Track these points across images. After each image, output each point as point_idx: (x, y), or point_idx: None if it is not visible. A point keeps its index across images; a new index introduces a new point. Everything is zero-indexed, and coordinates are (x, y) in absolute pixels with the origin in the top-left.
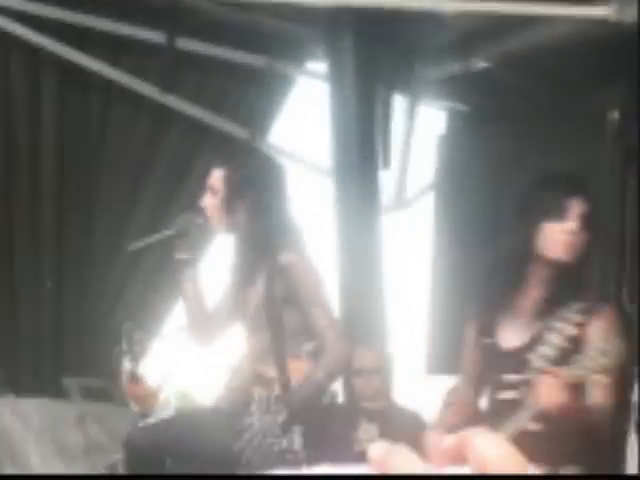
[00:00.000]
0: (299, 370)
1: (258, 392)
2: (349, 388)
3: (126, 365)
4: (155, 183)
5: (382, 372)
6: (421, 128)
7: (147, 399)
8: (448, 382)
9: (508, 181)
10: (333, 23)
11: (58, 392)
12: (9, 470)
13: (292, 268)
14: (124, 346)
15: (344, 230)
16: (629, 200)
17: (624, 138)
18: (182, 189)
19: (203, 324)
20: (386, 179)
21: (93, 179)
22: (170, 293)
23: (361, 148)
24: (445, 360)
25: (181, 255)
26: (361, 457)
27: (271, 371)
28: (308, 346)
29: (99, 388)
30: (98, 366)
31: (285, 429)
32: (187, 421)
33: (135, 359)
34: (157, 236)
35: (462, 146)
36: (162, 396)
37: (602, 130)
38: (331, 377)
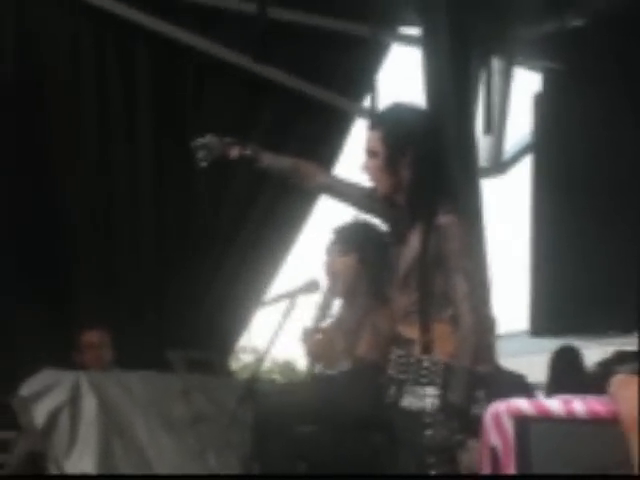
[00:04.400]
0: (442, 333)
1: (396, 352)
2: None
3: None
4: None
5: (485, 336)
6: (517, 89)
7: (329, 355)
8: (552, 344)
9: (603, 141)
10: None
11: (163, 365)
12: (118, 444)
13: (448, 230)
14: (294, 304)
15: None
16: None
17: None
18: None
19: None
20: (483, 142)
21: (189, 150)
22: (274, 257)
23: (458, 112)
24: (548, 322)
25: None
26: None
27: (412, 332)
28: (449, 311)
29: (203, 360)
30: (201, 338)
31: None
32: (321, 383)
33: (321, 317)
34: (285, 292)
35: (558, 106)
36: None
37: None
38: (470, 356)
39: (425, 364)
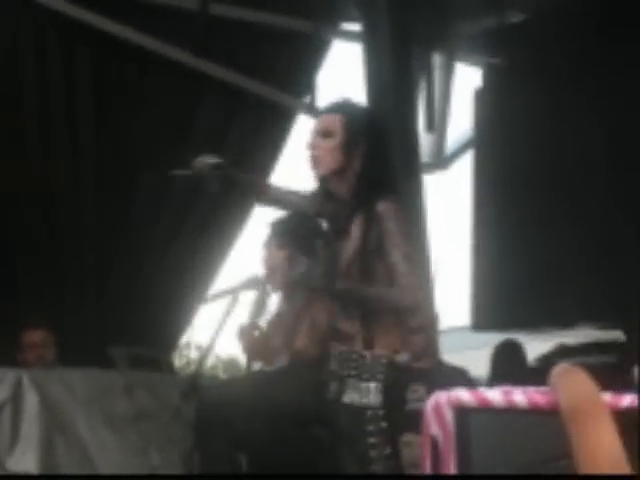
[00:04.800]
0: (384, 327)
1: (337, 348)
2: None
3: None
4: (193, 147)
5: (426, 331)
6: (458, 84)
7: (267, 351)
8: (494, 338)
9: (546, 134)
10: None
11: (106, 362)
12: (60, 441)
13: (385, 213)
14: (236, 301)
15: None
16: None
17: None
18: (221, 150)
19: None
20: (424, 138)
21: (130, 147)
22: (216, 253)
23: (399, 108)
24: (491, 316)
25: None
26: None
27: (353, 326)
28: None
29: (146, 357)
30: (143, 334)
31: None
32: (258, 378)
33: (257, 313)
34: (227, 288)
35: (499, 101)
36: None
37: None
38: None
39: (367, 359)
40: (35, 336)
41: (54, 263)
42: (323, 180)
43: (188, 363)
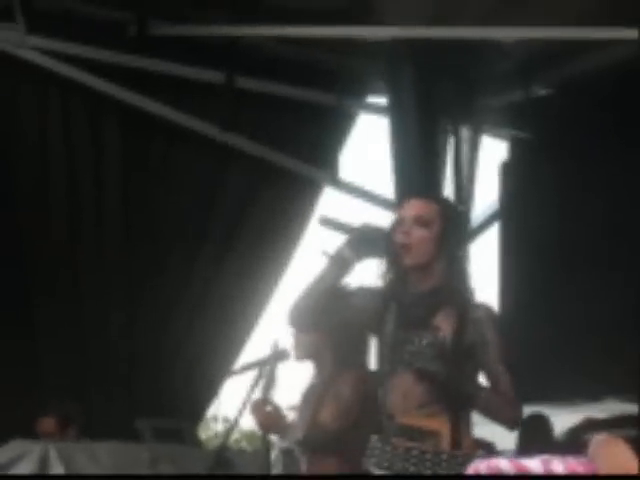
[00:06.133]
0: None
1: (424, 447)
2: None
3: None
4: (220, 219)
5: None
6: (484, 158)
7: (280, 426)
8: (526, 409)
9: (573, 208)
10: (392, 56)
11: (132, 434)
12: None
13: (485, 321)
14: (263, 373)
15: None
16: None
17: None
18: (247, 223)
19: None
20: None
21: (158, 219)
22: (242, 325)
23: (424, 180)
24: (517, 389)
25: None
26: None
27: (434, 424)
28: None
29: (172, 429)
30: (170, 406)
31: None
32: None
33: (269, 388)
34: (254, 361)
35: (525, 174)
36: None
37: None
38: (487, 404)
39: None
40: (48, 426)
41: (81, 332)
42: (409, 270)
43: (214, 436)
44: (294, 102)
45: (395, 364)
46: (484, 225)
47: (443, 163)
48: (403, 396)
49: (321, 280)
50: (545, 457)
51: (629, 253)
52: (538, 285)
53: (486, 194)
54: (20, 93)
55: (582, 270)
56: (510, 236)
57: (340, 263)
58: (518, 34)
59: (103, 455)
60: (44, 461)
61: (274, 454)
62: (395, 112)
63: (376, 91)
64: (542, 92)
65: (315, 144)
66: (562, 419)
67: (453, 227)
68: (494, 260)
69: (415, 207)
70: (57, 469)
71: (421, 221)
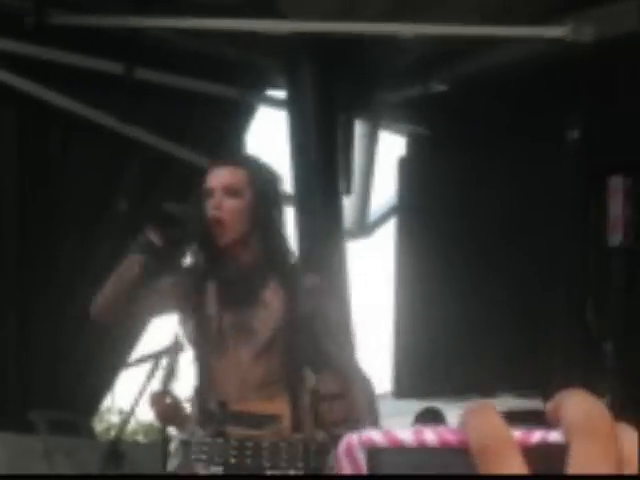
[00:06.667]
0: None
1: (261, 436)
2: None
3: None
4: (116, 215)
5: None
6: (382, 152)
7: (180, 418)
8: (415, 406)
9: (468, 204)
10: (292, 50)
11: (25, 426)
12: None
13: (316, 290)
14: (158, 365)
15: (307, 256)
16: (592, 219)
17: (584, 158)
18: (143, 219)
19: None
20: (348, 205)
21: (54, 210)
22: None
23: (322, 174)
24: (411, 384)
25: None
26: None
27: (275, 407)
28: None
29: (67, 421)
30: (64, 399)
31: None
32: None
33: (168, 380)
34: (150, 353)
35: (423, 169)
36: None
37: (562, 151)
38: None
39: (298, 447)
40: None
41: None
42: (227, 246)
43: (109, 428)
44: (196, 94)
45: (224, 347)
46: (381, 219)
47: (340, 158)
48: (237, 380)
49: (126, 270)
50: (417, 428)
51: (526, 248)
52: (431, 279)
53: (384, 189)
54: None
55: (478, 266)
56: (407, 231)
57: (147, 249)
58: (416, 30)
59: None
60: None
61: (173, 446)
62: (293, 106)
63: (277, 85)
64: (439, 88)
65: (216, 136)
66: (456, 413)
67: (266, 192)
68: (390, 255)
69: (223, 176)
70: None
71: (231, 191)
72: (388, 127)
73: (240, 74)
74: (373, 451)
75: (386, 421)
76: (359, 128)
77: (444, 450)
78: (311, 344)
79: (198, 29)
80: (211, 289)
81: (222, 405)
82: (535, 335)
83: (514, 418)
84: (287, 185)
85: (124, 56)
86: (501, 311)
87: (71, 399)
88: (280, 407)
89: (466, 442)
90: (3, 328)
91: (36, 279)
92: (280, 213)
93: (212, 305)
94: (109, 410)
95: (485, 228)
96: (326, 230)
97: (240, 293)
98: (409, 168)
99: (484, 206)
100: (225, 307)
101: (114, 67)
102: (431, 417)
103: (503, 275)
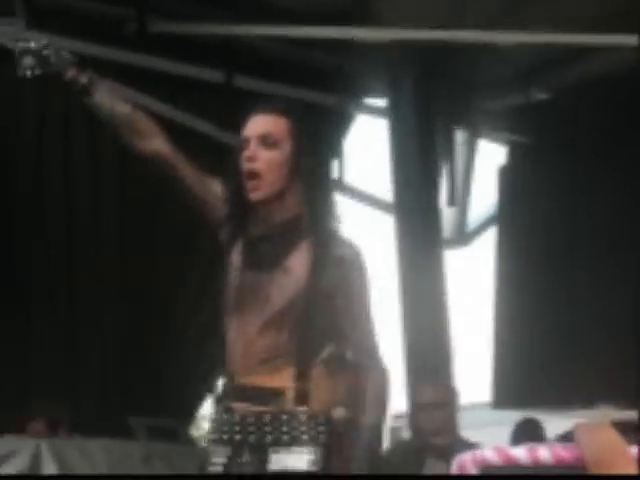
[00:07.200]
0: (317, 380)
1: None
2: (413, 424)
3: None
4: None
5: (446, 407)
6: (482, 161)
7: None
8: (513, 416)
9: (570, 214)
10: (392, 58)
11: (124, 432)
12: None
13: (351, 265)
14: None
15: (406, 265)
16: None
17: None
18: None
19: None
20: (446, 213)
21: (156, 219)
22: None
23: (422, 183)
24: (510, 394)
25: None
26: None
27: (278, 380)
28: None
29: (165, 427)
30: (163, 405)
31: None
32: None
33: None
34: None
35: (524, 179)
36: None
37: None
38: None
39: (301, 419)
40: (38, 428)
41: (75, 331)
42: (260, 202)
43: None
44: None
45: (237, 315)
46: (480, 229)
47: (440, 166)
48: (245, 350)
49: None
50: (531, 445)
51: (626, 256)
52: (533, 289)
53: (484, 198)
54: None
55: (578, 273)
56: (507, 240)
57: None
58: (517, 39)
59: (96, 452)
60: (36, 458)
61: None
62: (393, 114)
63: (375, 93)
64: (541, 96)
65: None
66: (555, 424)
67: (308, 143)
68: (490, 263)
69: (260, 124)
70: (49, 466)
71: (268, 141)
72: (488, 135)
73: (338, 82)
74: (486, 469)
75: (484, 430)
76: (458, 136)
77: (559, 468)
78: (329, 323)
79: (298, 37)
80: (237, 248)
81: (231, 378)
82: (637, 347)
83: (615, 429)
84: (386, 192)
85: (222, 64)
86: (603, 322)
87: (170, 406)
88: (282, 381)
89: (581, 459)
90: (103, 335)
91: (138, 286)
92: (326, 170)
93: (235, 267)
94: (205, 418)
95: (590, 239)
96: (425, 238)
97: (262, 255)
98: (510, 177)
99: (587, 216)
100: (246, 270)
101: (213, 75)
102: (530, 428)
103: (606, 284)
